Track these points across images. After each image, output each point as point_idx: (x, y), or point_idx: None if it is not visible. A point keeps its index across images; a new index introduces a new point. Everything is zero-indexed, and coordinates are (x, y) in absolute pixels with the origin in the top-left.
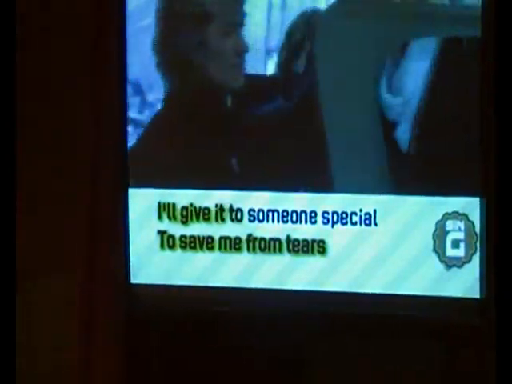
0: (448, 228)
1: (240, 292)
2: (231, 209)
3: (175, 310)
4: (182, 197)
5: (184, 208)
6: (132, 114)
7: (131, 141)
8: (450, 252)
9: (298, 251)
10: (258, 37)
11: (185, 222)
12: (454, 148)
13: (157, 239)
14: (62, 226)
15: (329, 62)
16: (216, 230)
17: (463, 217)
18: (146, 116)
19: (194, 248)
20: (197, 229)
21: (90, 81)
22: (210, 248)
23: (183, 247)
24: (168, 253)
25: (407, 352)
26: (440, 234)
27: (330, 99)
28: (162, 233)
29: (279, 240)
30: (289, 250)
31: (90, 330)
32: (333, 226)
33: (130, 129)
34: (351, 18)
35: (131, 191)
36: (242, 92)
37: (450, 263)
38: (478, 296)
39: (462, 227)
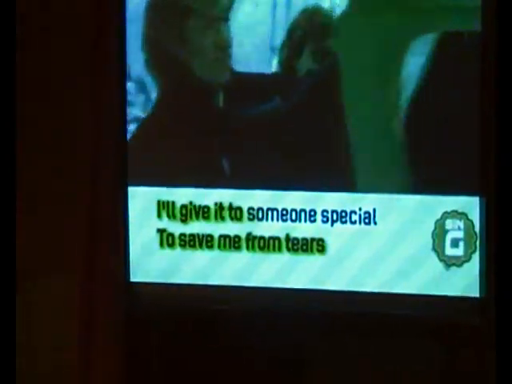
0: (447, 227)
1: (239, 290)
2: (230, 207)
3: (174, 309)
4: (182, 195)
5: (183, 206)
6: (137, 112)
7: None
8: (450, 251)
9: (297, 250)
10: (262, 35)
11: (184, 221)
12: (453, 147)
13: (156, 237)
14: (61, 226)
15: (350, 60)
16: (215, 228)
17: (462, 216)
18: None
19: (193, 246)
20: (196, 227)
21: (89, 81)
22: (210, 246)
23: (183, 246)
24: (167, 251)
25: (407, 351)
26: (439, 233)
27: (353, 95)
28: (161, 231)
29: (278, 238)
30: (288, 249)
31: (89, 330)
32: (332, 225)
33: (134, 127)
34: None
35: (130, 190)
36: (238, 91)
37: (449, 262)
38: (477, 295)
39: (462, 226)
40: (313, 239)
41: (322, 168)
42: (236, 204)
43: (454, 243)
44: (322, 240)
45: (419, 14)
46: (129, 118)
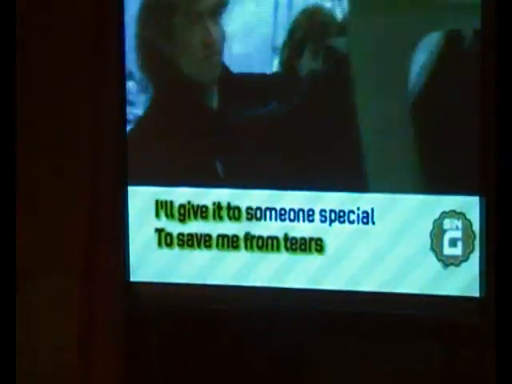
0: (445, 227)
1: (238, 290)
2: (229, 207)
3: (173, 308)
4: (180, 195)
5: (182, 206)
6: (138, 111)
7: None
8: (448, 251)
9: (295, 249)
10: (263, 35)
11: (182, 220)
12: (451, 146)
13: (154, 237)
14: (61, 226)
15: (363, 60)
16: (214, 227)
17: (460, 215)
18: None
19: (191, 246)
20: (194, 227)
21: (89, 81)
22: (208, 246)
23: (181, 245)
24: (166, 251)
25: (406, 351)
26: (437, 232)
27: (366, 96)
28: (159, 231)
29: (277, 238)
30: (286, 248)
31: (89, 330)
32: (330, 225)
33: (133, 127)
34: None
35: (129, 189)
36: (234, 91)
37: (447, 262)
38: (476, 294)
39: (460, 226)
40: (311, 239)
41: (321, 168)
42: (234, 204)
43: (452, 243)
44: (320, 240)
45: (426, 11)
46: (130, 117)
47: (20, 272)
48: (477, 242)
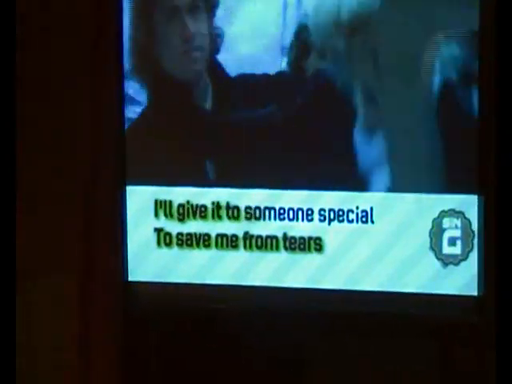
0: (445, 226)
1: (237, 290)
2: (228, 206)
3: (172, 308)
4: (179, 194)
5: (181, 205)
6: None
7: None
8: (447, 250)
9: (294, 249)
10: (273, 35)
11: (181, 220)
12: (451, 145)
13: (153, 237)
14: (61, 226)
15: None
16: (213, 227)
17: (460, 214)
18: None
19: (190, 245)
20: (193, 226)
21: (89, 81)
22: (207, 245)
23: (180, 245)
24: (165, 250)
25: (405, 351)
26: (437, 231)
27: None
28: (158, 230)
29: (276, 237)
30: (285, 248)
31: (89, 330)
32: (329, 224)
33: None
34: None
35: (128, 189)
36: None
37: (446, 261)
38: (475, 293)
39: (459, 225)
40: (310, 238)
41: (321, 168)
42: (233, 203)
43: (452, 242)
44: (319, 239)
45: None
46: (134, 116)
47: (20, 272)
48: (476, 241)
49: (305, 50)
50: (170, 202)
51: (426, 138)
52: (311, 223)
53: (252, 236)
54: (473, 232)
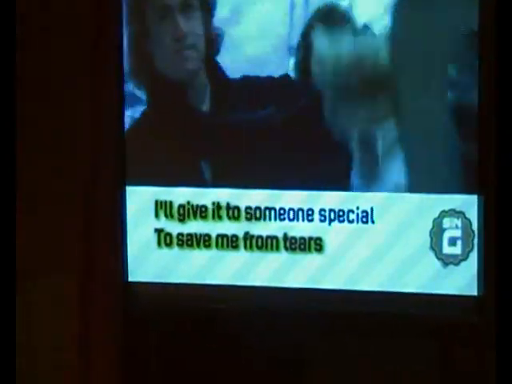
0: (445, 225)
1: (237, 290)
2: (228, 207)
3: (172, 308)
4: (179, 195)
5: (181, 206)
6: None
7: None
8: (447, 249)
9: (295, 249)
10: (280, 35)
11: (182, 220)
12: (451, 145)
13: (154, 237)
14: (61, 226)
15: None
16: (213, 227)
17: (460, 214)
18: None
19: (191, 246)
20: (194, 227)
21: (89, 81)
22: (207, 246)
23: (180, 245)
24: (165, 251)
25: (405, 350)
26: (437, 231)
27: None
28: (159, 231)
29: (276, 238)
30: (286, 248)
31: (89, 330)
32: (330, 224)
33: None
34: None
35: (128, 189)
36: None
37: (446, 261)
38: (475, 293)
39: (459, 225)
40: (310, 238)
41: (320, 168)
42: (233, 203)
43: (452, 242)
44: (319, 239)
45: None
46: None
47: (20, 272)
48: (476, 241)
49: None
50: (171, 202)
51: (427, 139)
52: (311, 223)
53: (252, 236)
54: (473, 232)
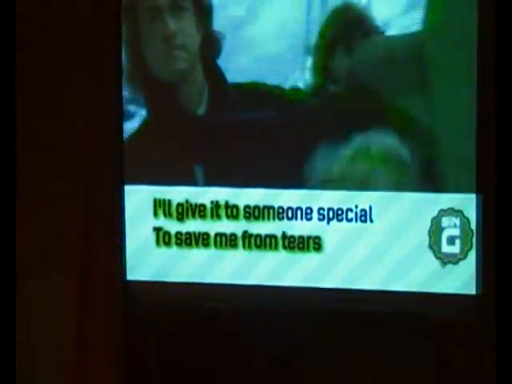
0: (443, 224)
1: (236, 289)
2: (227, 205)
3: (171, 307)
4: (178, 193)
5: (180, 205)
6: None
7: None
8: (446, 248)
9: (293, 248)
10: (297, 34)
11: (180, 219)
12: (450, 145)
13: (152, 236)
14: (61, 226)
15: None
16: (212, 226)
17: (459, 213)
18: None
19: (189, 245)
20: (192, 225)
21: (89, 81)
22: (206, 245)
23: (179, 244)
24: (164, 249)
25: (404, 350)
26: (435, 230)
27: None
28: (157, 229)
29: (275, 237)
30: (284, 247)
31: (89, 330)
32: (328, 223)
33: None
34: None
35: (126, 188)
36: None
37: (445, 260)
38: (473, 292)
39: (458, 224)
40: (309, 237)
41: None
42: (232, 202)
43: (451, 241)
44: (318, 238)
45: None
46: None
47: (20, 272)
48: (475, 240)
49: (330, 49)
50: (169, 201)
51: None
52: (310, 222)
53: (251, 235)
54: (472, 231)
